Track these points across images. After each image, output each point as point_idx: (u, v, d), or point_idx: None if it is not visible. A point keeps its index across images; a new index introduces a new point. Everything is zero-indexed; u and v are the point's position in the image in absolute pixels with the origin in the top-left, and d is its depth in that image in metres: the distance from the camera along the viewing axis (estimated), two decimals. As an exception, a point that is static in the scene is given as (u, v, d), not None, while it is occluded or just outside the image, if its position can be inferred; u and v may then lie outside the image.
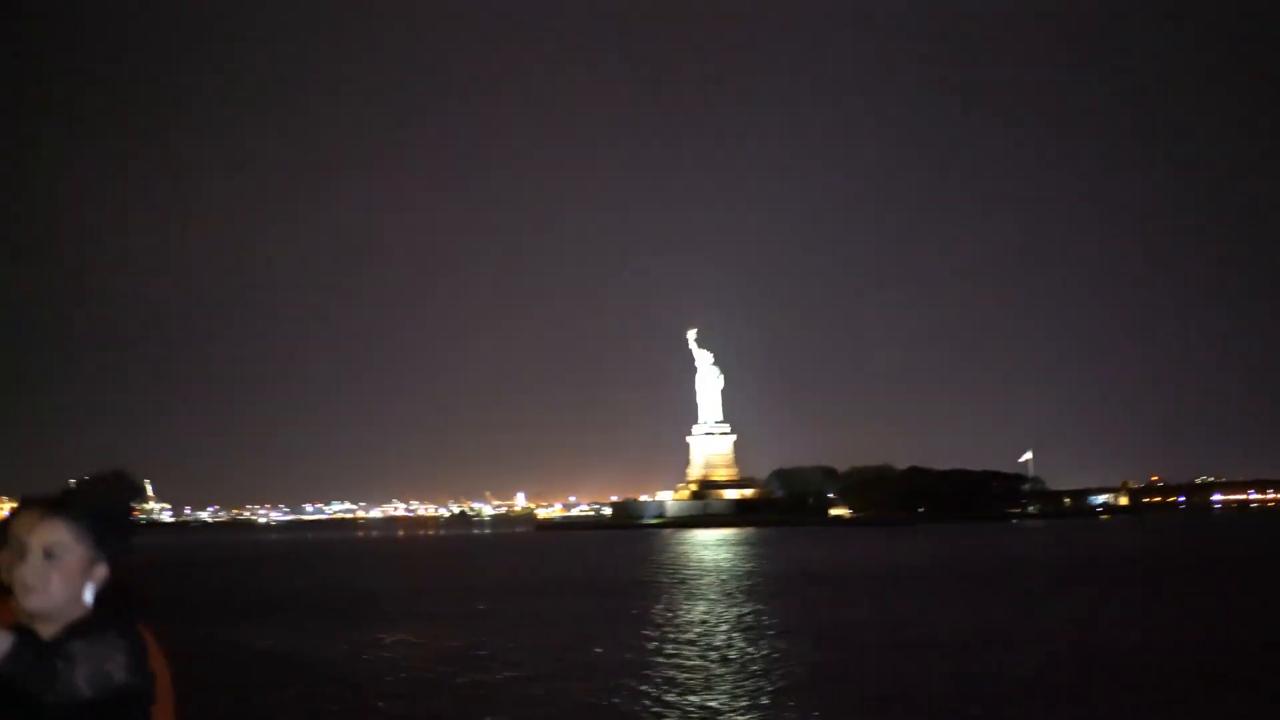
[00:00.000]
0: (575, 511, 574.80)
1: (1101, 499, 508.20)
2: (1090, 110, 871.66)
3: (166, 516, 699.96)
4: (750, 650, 62.20)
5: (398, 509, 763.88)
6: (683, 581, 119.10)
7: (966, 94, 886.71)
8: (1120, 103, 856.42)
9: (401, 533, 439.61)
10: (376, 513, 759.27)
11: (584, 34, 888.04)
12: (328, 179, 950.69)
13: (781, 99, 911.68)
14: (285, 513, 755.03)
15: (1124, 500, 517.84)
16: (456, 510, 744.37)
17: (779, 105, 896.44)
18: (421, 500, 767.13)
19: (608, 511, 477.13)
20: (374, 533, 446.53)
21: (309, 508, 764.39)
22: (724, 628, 73.38)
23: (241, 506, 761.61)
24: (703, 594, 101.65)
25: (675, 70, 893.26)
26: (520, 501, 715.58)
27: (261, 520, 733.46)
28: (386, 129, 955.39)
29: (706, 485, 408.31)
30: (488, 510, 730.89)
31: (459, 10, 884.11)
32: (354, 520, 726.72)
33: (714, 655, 60.83)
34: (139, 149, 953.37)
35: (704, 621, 77.69)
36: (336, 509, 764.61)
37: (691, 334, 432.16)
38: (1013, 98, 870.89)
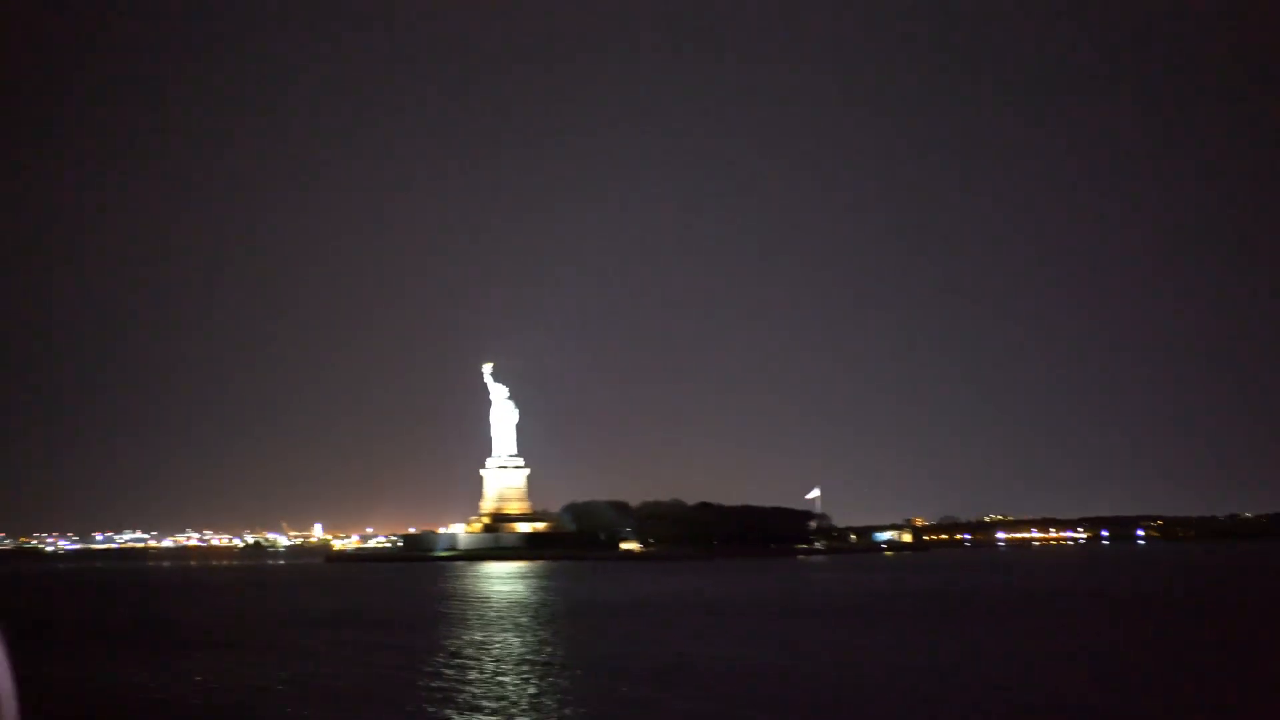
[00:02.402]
0: (373, 543, 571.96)
1: (886, 536, 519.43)
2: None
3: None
4: (521, 683, 68.19)
5: (191, 539, 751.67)
6: (466, 615, 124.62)
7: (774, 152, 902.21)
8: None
9: (194, 563, 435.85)
10: (169, 542, 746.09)
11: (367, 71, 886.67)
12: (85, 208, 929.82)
13: (581, 140, 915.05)
14: (74, 542, 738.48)
15: (907, 537, 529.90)
16: (251, 541, 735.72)
17: (579, 145, 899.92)
18: (216, 530, 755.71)
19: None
20: (165, 563, 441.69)
21: (99, 537, 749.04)
22: (498, 660, 79.18)
23: (28, 535, 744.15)
24: (486, 626, 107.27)
25: (473, 100, 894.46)
26: (318, 532, 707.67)
27: (49, 549, 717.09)
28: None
29: (499, 518, 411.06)
30: (283, 541, 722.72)
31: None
32: (145, 550, 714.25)
33: (487, 686, 66.65)
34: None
35: (479, 654, 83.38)
36: (128, 538, 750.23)
37: (487, 368, 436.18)
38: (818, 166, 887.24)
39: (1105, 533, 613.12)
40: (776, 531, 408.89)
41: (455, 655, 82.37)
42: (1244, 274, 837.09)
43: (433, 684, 66.79)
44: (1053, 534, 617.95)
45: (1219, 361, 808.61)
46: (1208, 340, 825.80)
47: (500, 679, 68.91)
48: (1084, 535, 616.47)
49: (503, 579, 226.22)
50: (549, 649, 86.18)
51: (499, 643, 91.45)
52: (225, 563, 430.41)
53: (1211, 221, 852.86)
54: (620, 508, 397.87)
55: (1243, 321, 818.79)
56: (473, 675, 70.91)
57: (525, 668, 74.18)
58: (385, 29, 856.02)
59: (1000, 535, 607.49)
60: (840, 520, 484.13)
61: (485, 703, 59.49)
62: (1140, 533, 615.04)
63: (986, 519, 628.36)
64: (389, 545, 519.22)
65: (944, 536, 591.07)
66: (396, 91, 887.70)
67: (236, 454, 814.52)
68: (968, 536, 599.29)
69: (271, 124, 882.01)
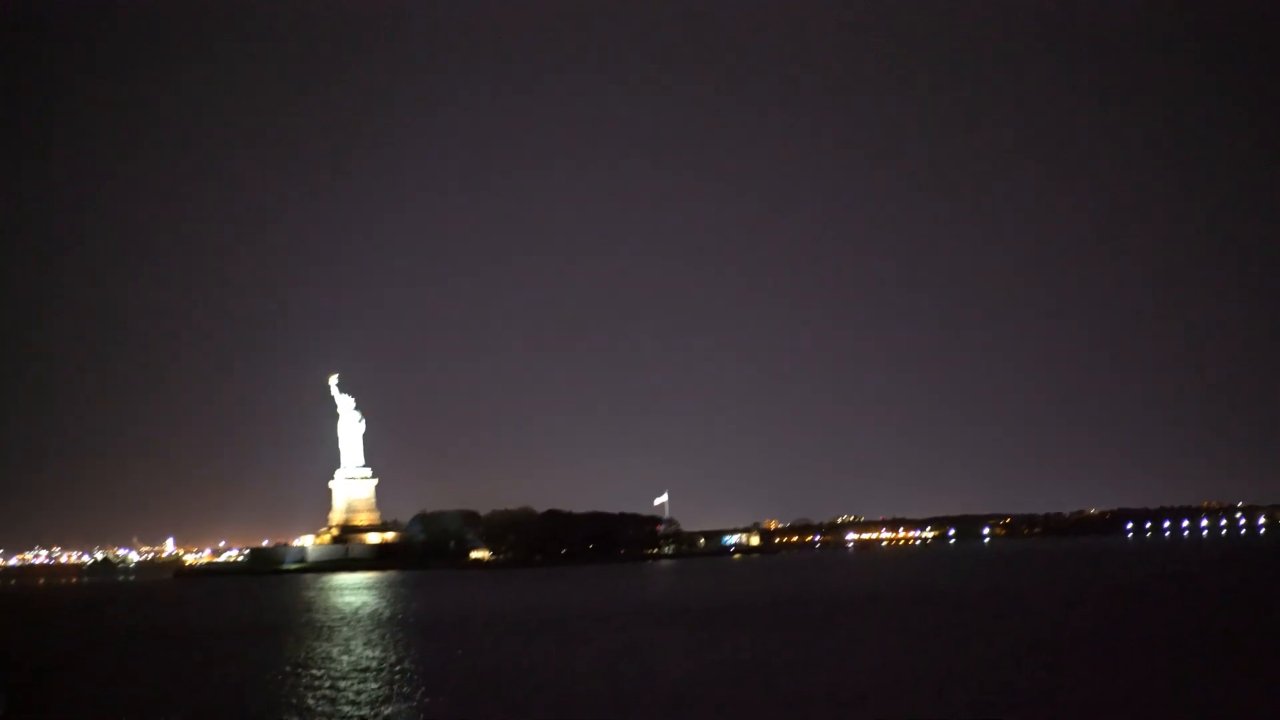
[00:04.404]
0: (225, 557, 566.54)
1: (734, 539, 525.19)
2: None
3: None
4: (355, 692, 72.49)
5: (38, 556, 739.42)
6: (307, 627, 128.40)
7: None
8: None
9: (42, 581, 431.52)
10: (15, 561, 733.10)
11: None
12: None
13: (419, 143, 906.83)
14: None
15: (755, 540, 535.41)
16: (100, 557, 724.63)
17: (420, 147, 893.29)
18: (65, 547, 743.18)
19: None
20: (12, 582, 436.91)
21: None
22: (335, 671, 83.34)
23: None
24: (327, 638, 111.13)
25: (313, 105, 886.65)
26: (170, 547, 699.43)
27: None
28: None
29: (348, 529, 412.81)
30: (134, 557, 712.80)
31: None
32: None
33: (324, 697, 70.86)
34: None
35: (319, 666, 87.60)
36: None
37: (333, 379, 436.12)
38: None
39: (952, 532, 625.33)
40: (625, 538, 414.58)
41: (308, 667, 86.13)
42: (1087, 279, 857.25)
43: (292, 697, 70.54)
44: (901, 534, 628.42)
45: (1066, 364, 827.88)
46: (1056, 344, 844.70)
47: (336, 689, 73.04)
48: (931, 535, 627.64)
49: (350, 590, 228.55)
50: (383, 660, 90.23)
51: (338, 654, 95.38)
52: (73, 581, 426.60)
53: (1063, 225, 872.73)
54: (470, 517, 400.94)
55: (1087, 324, 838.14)
56: (311, 686, 74.98)
57: (359, 678, 78.14)
58: (191, 27, 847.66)
59: (850, 536, 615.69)
60: (693, 524, 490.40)
61: (322, 713, 63.52)
62: (985, 531, 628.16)
63: (839, 520, 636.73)
64: (242, 559, 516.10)
65: (795, 539, 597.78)
66: (236, 96, 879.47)
67: (86, 468, 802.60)
68: (818, 538, 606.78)
69: (99, 128, 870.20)
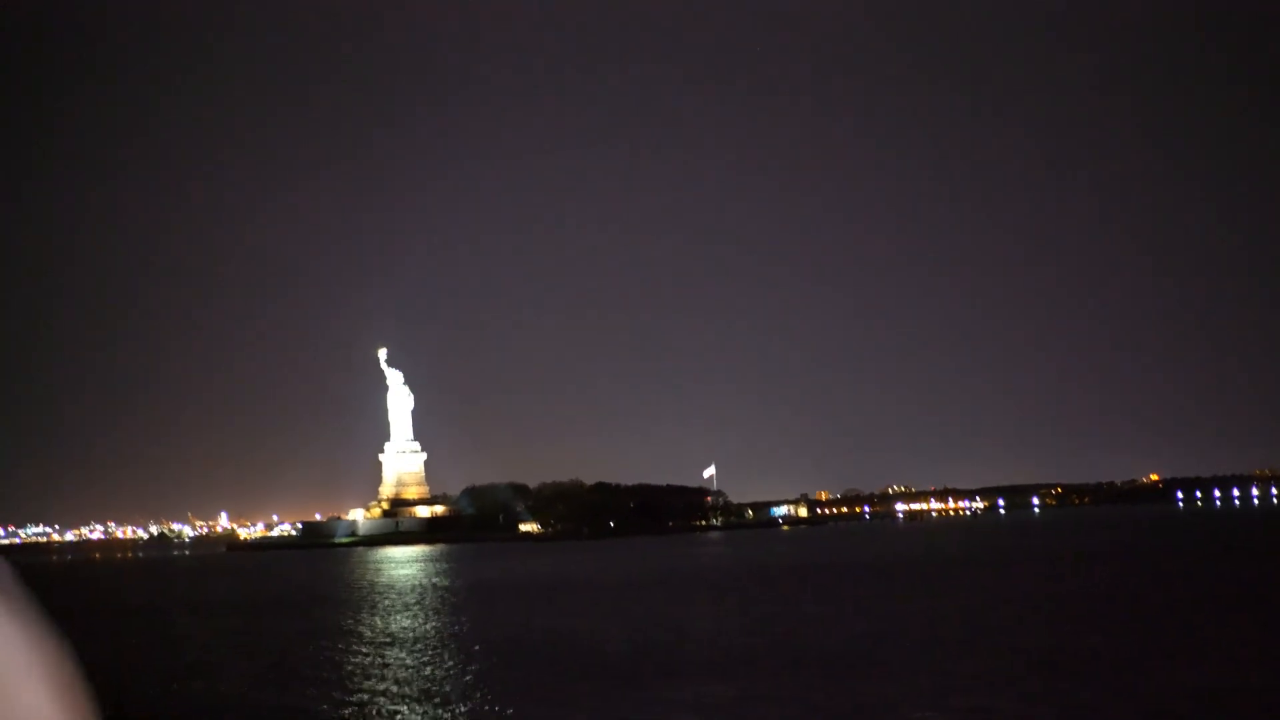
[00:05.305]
0: (277, 531, 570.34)
1: (782, 510, 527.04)
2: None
3: None
4: (412, 660, 75.43)
5: (95, 531, 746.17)
6: (362, 599, 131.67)
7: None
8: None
9: (98, 555, 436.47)
10: (71, 536, 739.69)
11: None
12: None
13: (458, 130, 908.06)
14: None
15: (803, 512, 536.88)
16: (155, 532, 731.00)
17: (456, 127, 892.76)
18: (120, 522, 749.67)
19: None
20: (69, 556, 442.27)
21: (0, 532, 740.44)
22: (394, 641, 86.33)
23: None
24: (382, 609, 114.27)
25: (352, 86, 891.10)
26: (224, 521, 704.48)
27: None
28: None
29: (398, 503, 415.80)
30: (188, 532, 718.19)
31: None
32: (48, 544, 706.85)
33: (385, 665, 73.74)
34: None
35: (374, 635, 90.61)
36: (31, 533, 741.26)
37: (382, 353, 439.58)
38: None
39: (1001, 502, 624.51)
40: (673, 509, 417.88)
41: (350, 636, 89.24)
42: (1127, 250, 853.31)
43: (332, 664, 73.34)
44: (951, 504, 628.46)
45: (1117, 332, 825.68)
46: (1106, 312, 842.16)
47: (377, 656, 76.03)
48: (981, 505, 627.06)
49: (400, 563, 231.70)
50: (435, 629, 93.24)
51: (384, 623, 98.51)
52: (129, 554, 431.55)
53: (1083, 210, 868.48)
54: (518, 490, 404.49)
55: (1135, 292, 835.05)
56: (356, 652, 78.02)
57: (416, 647, 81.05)
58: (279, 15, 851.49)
59: (899, 507, 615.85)
60: (741, 496, 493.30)
61: (380, 681, 66.36)
62: (1035, 501, 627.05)
63: (889, 491, 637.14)
64: (293, 533, 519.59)
65: (844, 510, 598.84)
66: (283, 75, 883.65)
67: (140, 444, 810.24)
68: (868, 509, 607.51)
69: (163, 113, 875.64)
